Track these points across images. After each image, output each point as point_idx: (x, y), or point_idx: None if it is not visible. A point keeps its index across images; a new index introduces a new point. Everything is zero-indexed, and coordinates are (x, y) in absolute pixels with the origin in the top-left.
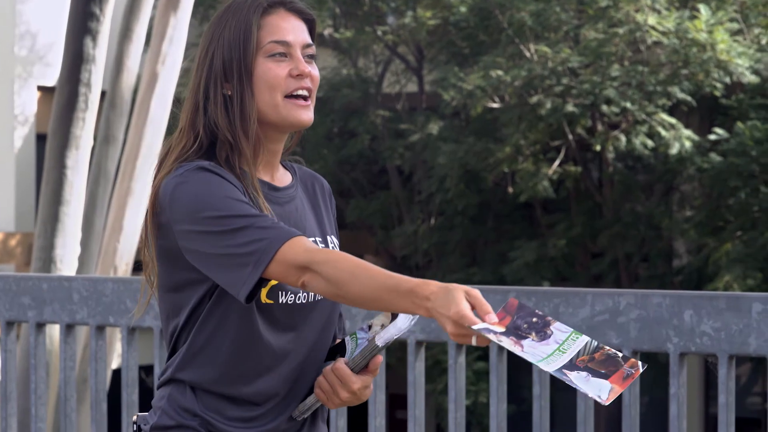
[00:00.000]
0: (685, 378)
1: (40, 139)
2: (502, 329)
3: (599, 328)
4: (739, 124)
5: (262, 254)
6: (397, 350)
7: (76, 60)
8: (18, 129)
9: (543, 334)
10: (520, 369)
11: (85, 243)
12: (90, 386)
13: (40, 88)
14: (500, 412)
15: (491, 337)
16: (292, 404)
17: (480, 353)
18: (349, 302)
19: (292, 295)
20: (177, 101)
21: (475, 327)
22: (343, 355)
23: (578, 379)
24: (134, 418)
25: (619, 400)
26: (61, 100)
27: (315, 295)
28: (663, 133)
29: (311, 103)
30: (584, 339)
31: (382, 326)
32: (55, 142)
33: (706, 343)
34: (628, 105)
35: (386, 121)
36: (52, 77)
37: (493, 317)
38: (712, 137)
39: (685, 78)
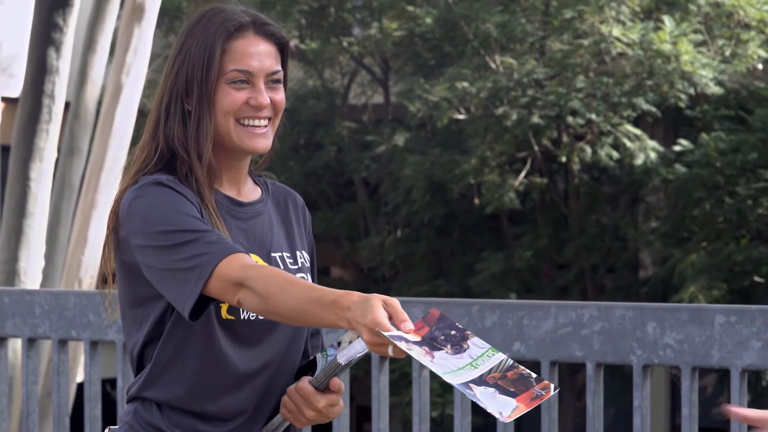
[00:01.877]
0: (648, 390)
1: (4, 150)
2: (417, 338)
3: (563, 340)
4: (704, 136)
5: (203, 270)
6: (363, 363)
7: (39, 71)
8: None
9: (458, 347)
10: None
11: (50, 256)
12: (53, 401)
13: (3, 99)
14: (465, 424)
15: (401, 345)
16: (259, 422)
17: None
18: (280, 317)
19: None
20: (142, 113)
21: (387, 334)
22: (314, 373)
23: (483, 395)
24: (106, 431)
25: (583, 413)
26: (25, 112)
27: None
28: (628, 144)
29: (270, 130)
30: (500, 357)
31: (350, 342)
32: (18, 153)
33: (669, 355)
34: (594, 116)
35: (352, 133)
36: (15, 88)
37: (408, 325)
38: (677, 148)
39: (650, 89)
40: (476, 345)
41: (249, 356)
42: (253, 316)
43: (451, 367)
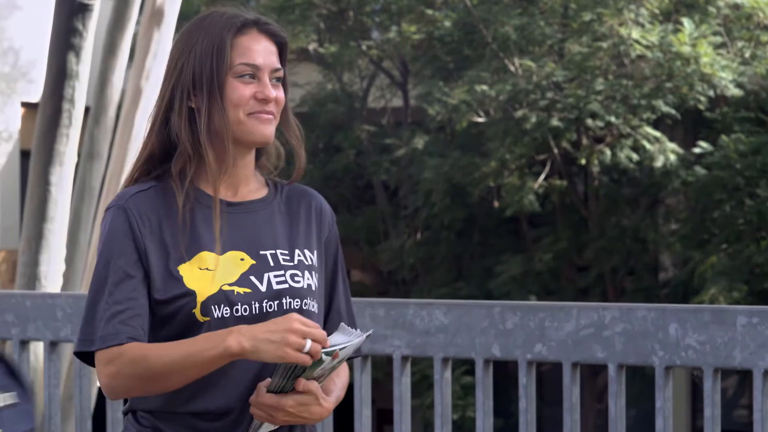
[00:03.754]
0: (671, 391)
1: (25, 155)
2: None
3: (584, 342)
4: (724, 138)
5: (87, 342)
6: (384, 365)
7: (59, 76)
8: (2, 146)
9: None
10: (507, 383)
11: (70, 259)
12: (75, 403)
13: (23, 104)
14: (487, 426)
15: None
16: (247, 419)
17: (468, 367)
18: (158, 377)
19: (227, 309)
20: None
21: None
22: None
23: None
24: None
25: (603, 414)
26: (45, 117)
27: (265, 305)
28: (648, 146)
29: (272, 118)
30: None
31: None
32: (38, 158)
33: (691, 357)
34: (613, 119)
35: (371, 136)
36: (35, 93)
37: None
38: (697, 150)
39: (669, 91)
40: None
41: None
42: (226, 314)
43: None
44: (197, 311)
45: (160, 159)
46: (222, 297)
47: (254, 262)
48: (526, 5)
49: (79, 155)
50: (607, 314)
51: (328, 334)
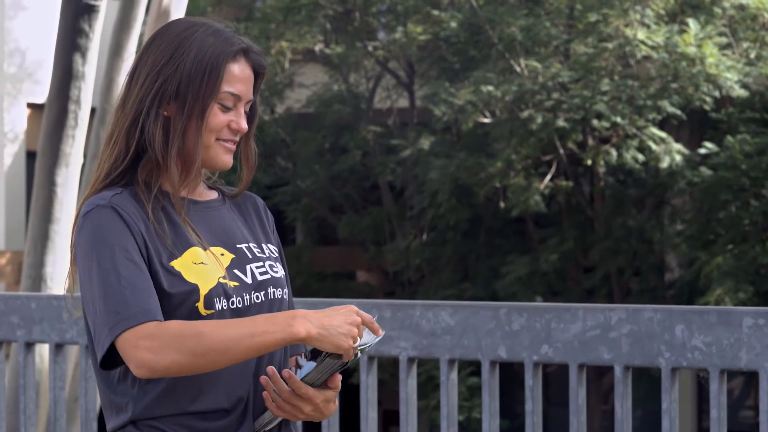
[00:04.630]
0: (677, 392)
1: (30, 156)
2: None
3: (591, 343)
4: (729, 138)
5: (117, 324)
6: (390, 366)
7: (65, 77)
8: (8, 146)
9: None
10: (513, 384)
11: None
12: (80, 405)
13: (29, 105)
14: (493, 428)
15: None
16: (256, 409)
17: (474, 368)
18: (209, 354)
19: (227, 300)
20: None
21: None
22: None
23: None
24: None
25: (609, 416)
26: (51, 118)
27: (253, 296)
28: (653, 147)
29: (233, 148)
30: None
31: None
32: (44, 159)
33: (697, 358)
34: (619, 119)
35: (377, 137)
36: (41, 94)
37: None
38: (702, 151)
39: (675, 92)
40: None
41: None
42: (225, 306)
43: None
44: (200, 305)
45: (127, 160)
46: (221, 290)
47: (234, 255)
48: (532, 6)
49: (85, 156)
50: (614, 315)
51: None
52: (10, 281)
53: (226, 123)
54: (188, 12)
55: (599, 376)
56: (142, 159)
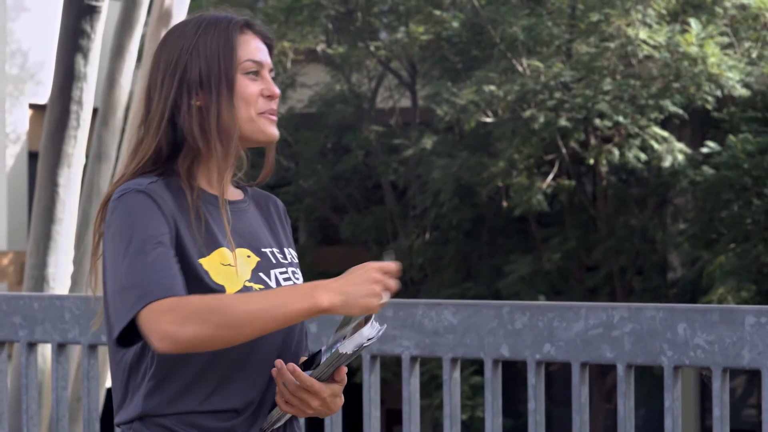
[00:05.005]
0: (679, 391)
1: (32, 157)
2: None
3: (593, 342)
4: (731, 137)
5: (140, 298)
6: (393, 365)
7: (67, 77)
8: (10, 147)
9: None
10: (516, 383)
11: (78, 261)
12: (83, 405)
13: (31, 106)
14: (496, 426)
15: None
16: (264, 413)
17: (477, 367)
18: (232, 327)
19: None
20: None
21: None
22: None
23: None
24: None
25: (612, 414)
26: (53, 118)
27: None
28: (655, 146)
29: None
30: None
31: (353, 333)
32: (46, 160)
33: (700, 356)
34: (621, 119)
35: (380, 137)
36: (43, 95)
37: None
38: (705, 150)
39: (677, 91)
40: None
41: (252, 348)
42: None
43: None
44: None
45: (158, 158)
46: (249, 292)
47: (259, 259)
48: (534, 6)
49: (87, 157)
50: (616, 314)
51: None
52: (13, 281)
53: (259, 91)
54: (190, 12)
55: (602, 375)
56: (182, 151)
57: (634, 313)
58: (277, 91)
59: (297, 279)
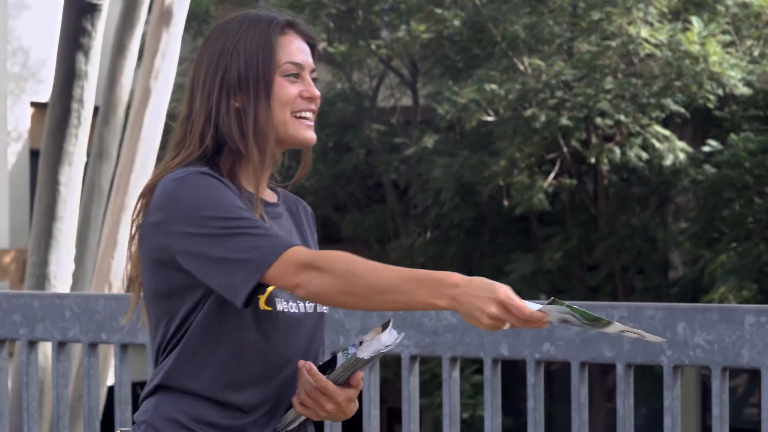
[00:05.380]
0: (679, 390)
1: (34, 155)
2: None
3: (593, 341)
4: (733, 136)
5: (264, 259)
6: (393, 364)
7: (68, 76)
8: (11, 145)
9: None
10: (517, 382)
11: (80, 259)
12: (83, 404)
13: (33, 104)
14: (495, 425)
15: (564, 308)
16: (278, 414)
17: (478, 366)
18: (356, 296)
19: (287, 303)
20: (171, 116)
21: (548, 302)
22: (333, 370)
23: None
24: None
25: (614, 413)
26: (54, 116)
27: (307, 306)
28: (657, 145)
29: (313, 124)
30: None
31: (371, 341)
32: (48, 158)
33: (699, 356)
34: (622, 117)
35: (381, 135)
36: (45, 93)
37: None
38: (706, 149)
39: (679, 90)
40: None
41: (278, 348)
42: (286, 309)
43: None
44: (262, 300)
45: (203, 155)
46: (284, 293)
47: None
48: (535, 4)
49: (88, 155)
50: (616, 313)
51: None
52: (15, 279)
53: (297, 93)
54: (190, 12)
55: (604, 374)
56: (223, 152)
57: (634, 312)
58: (316, 92)
59: None
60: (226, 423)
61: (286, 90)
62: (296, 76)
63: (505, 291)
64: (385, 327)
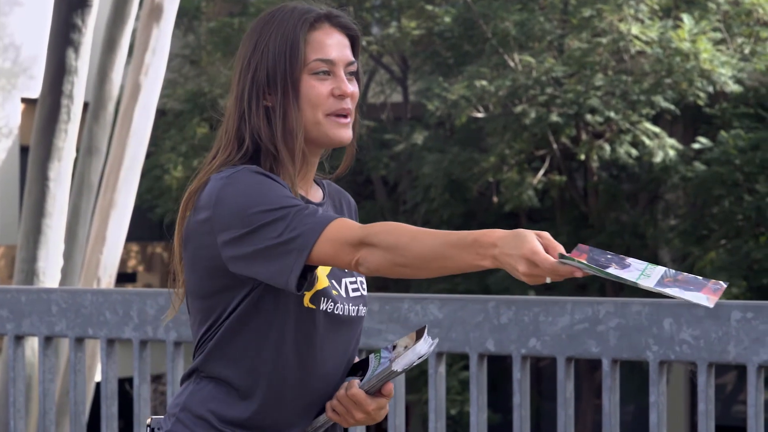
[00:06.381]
0: (665, 386)
1: (24, 151)
2: (583, 262)
3: (579, 336)
4: (723, 133)
5: (308, 237)
6: None
7: (58, 71)
8: (1, 141)
9: (622, 264)
10: (505, 378)
11: (68, 255)
12: (70, 399)
13: (24, 100)
14: (481, 421)
15: (575, 264)
16: (311, 415)
17: (465, 363)
18: (409, 267)
19: (332, 304)
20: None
21: (557, 261)
22: (365, 371)
23: (677, 291)
24: (148, 420)
25: (599, 409)
26: (44, 112)
27: (350, 308)
28: (647, 142)
29: (350, 121)
30: (662, 268)
31: (406, 347)
32: (37, 153)
33: (685, 351)
34: (612, 114)
35: (371, 132)
36: (36, 89)
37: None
38: (696, 146)
39: (669, 87)
40: (636, 261)
41: (316, 348)
42: (330, 309)
43: (632, 277)
44: (307, 297)
45: (243, 155)
46: (329, 292)
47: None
48: (526, 1)
49: (77, 151)
50: (602, 309)
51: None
52: (4, 275)
53: (328, 92)
54: (181, 7)
55: (593, 370)
56: (261, 152)
57: (620, 307)
58: (349, 89)
59: (364, 290)
60: (254, 422)
61: (315, 89)
62: (327, 73)
63: (530, 246)
64: (420, 333)
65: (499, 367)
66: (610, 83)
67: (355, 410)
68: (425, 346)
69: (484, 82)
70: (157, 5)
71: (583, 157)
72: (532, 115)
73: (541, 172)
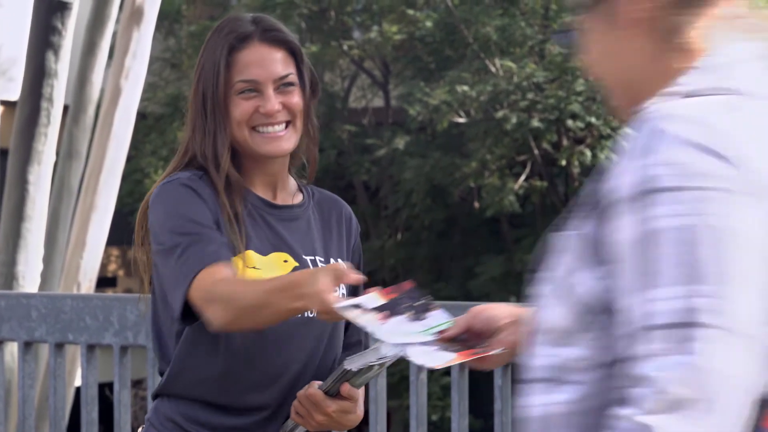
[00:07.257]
0: None
1: (3, 154)
2: (382, 301)
3: None
4: None
5: (186, 277)
6: None
7: (38, 74)
8: None
9: (419, 316)
10: (489, 383)
11: (48, 259)
12: (49, 404)
13: (3, 103)
14: (462, 427)
15: (348, 314)
16: (279, 418)
17: (447, 368)
18: (246, 319)
19: None
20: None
21: (337, 305)
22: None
23: (415, 352)
24: (139, 430)
25: None
26: (23, 115)
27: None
28: None
29: (290, 133)
30: (451, 324)
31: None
32: (16, 157)
33: None
34: (593, 120)
35: (352, 136)
36: (15, 92)
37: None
38: None
39: None
40: (438, 316)
41: (274, 353)
42: None
43: (402, 331)
44: None
45: (189, 163)
46: None
47: (297, 264)
48: (507, 6)
49: (57, 154)
50: None
51: (349, 343)
52: None
53: (253, 110)
54: (162, 11)
55: None
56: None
57: None
58: (273, 107)
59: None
60: (224, 425)
61: (240, 108)
62: (253, 91)
63: (317, 288)
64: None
65: (480, 373)
66: (591, 88)
67: (315, 411)
68: (387, 349)
69: (465, 87)
70: (137, 8)
71: (564, 162)
72: (513, 120)
73: (523, 177)
